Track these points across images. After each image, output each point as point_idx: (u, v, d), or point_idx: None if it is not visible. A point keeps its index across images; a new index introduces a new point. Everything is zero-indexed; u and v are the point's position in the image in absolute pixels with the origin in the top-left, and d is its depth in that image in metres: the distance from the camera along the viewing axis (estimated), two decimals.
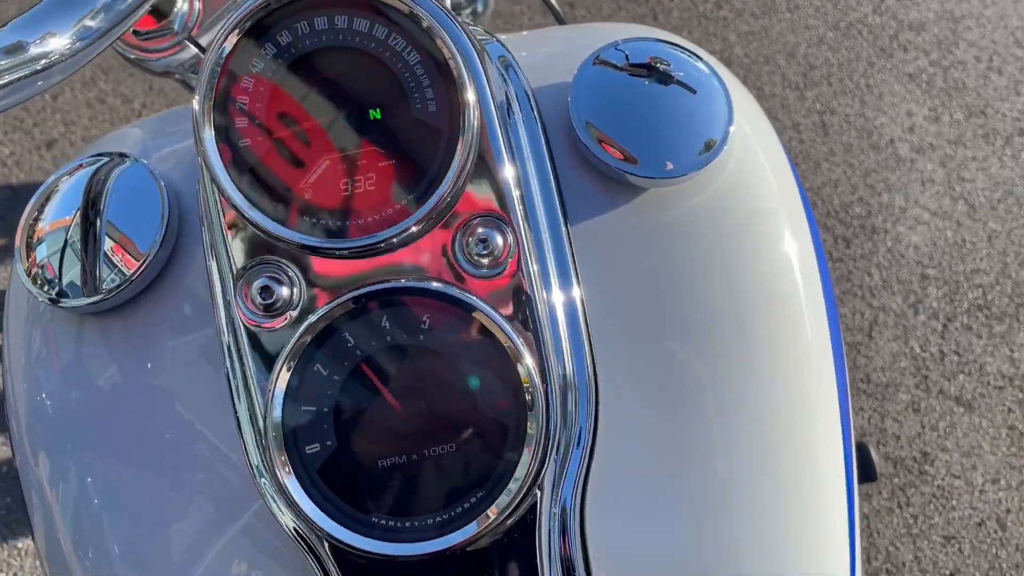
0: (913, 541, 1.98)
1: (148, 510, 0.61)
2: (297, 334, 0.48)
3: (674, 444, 0.58)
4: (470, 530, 0.48)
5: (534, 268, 0.51)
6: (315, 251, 0.49)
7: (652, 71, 0.63)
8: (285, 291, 0.50)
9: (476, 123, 0.49)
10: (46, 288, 0.62)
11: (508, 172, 0.51)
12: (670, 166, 0.60)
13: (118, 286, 0.60)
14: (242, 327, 0.50)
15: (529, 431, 0.48)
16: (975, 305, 2.24)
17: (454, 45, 0.49)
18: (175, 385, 0.60)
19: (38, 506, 0.64)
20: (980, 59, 2.60)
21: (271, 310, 0.50)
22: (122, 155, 0.65)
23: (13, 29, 0.54)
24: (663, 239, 0.61)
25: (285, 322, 0.50)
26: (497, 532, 0.49)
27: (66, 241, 0.63)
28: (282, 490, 0.48)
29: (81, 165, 0.65)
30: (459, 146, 0.49)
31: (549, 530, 0.51)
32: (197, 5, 0.74)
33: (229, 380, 0.55)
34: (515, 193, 0.51)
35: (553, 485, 0.51)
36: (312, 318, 0.48)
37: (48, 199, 0.64)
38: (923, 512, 2.01)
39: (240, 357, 0.52)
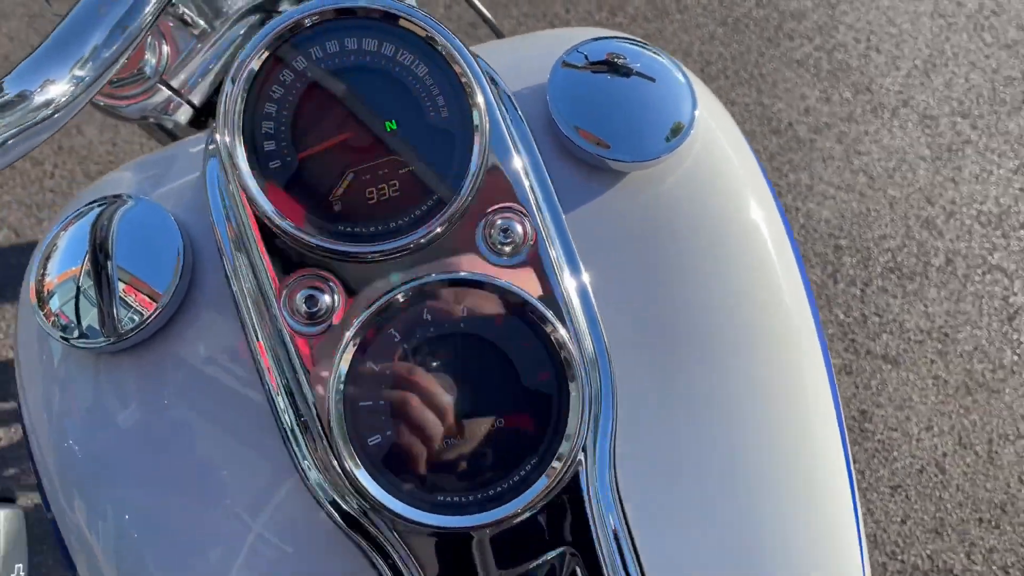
0: (864, 495, 2.09)
1: (189, 537, 0.63)
2: (350, 333, 0.52)
3: (680, 420, 0.63)
4: (530, 495, 0.52)
5: (551, 252, 0.56)
6: (351, 257, 0.53)
7: (612, 66, 0.68)
8: (327, 299, 0.53)
9: (487, 123, 0.53)
10: (64, 333, 0.63)
11: (518, 164, 0.56)
12: (646, 149, 0.65)
13: (139, 324, 0.62)
14: (289, 337, 0.53)
15: (572, 397, 0.53)
16: (887, 268, 2.38)
17: (459, 55, 0.53)
18: (206, 413, 0.62)
19: (80, 550, 0.65)
20: (859, 40, 2.78)
21: (315, 318, 0.53)
22: (117, 197, 0.66)
23: (16, 78, 0.56)
24: (647, 218, 0.67)
25: (326, 327, 0.53)
26: (549, 499, 0.53)
27: (78, 289, 0.64)
28: (350, 480, 0.51)
29: (80, 214, 0.66)
30: (475, 145, 0.53)
31: (594, 494, 0.55)
32: (166, 50, 0.77)
33: (272, 393, 0.58)
34: (526, 183, 0.56)
35: (594, 451, 0.56)
36: (364, 316, 0.52)
37: (51, 254, 0.65)
38: (868, 467, 2.12)
39: (286, 367, 0.55)
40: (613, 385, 0.58)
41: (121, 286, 0.63)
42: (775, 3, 2.84)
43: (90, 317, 0.64)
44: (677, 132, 0.67)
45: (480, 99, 0.54)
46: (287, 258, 0.54)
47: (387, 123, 0.54)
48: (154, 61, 0.76)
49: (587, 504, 0.55)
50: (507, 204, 0.55)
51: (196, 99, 0.79)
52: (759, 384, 0.67)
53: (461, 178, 0.53)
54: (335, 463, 0.52)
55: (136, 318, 0.62)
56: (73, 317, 0.64)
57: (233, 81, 0.52)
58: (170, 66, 0.77)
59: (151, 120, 0.79)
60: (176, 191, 0.68)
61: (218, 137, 0.53)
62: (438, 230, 0.54)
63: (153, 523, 0.64)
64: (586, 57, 0.69)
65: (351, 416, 0.52)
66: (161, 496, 0.64)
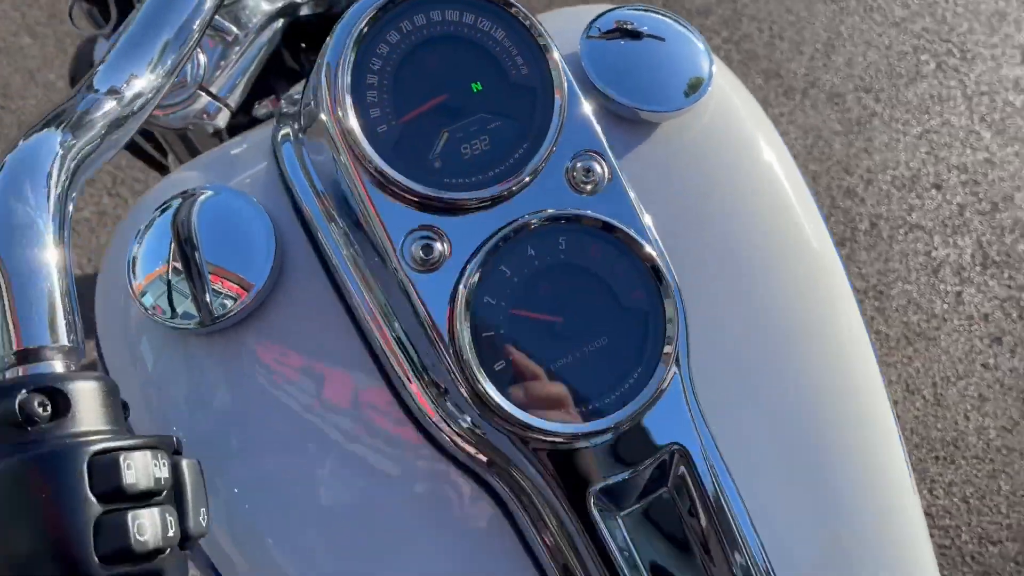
0: None
1: (302, 500, 0.67)
2: (470, 270, 0.57)
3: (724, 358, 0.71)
4: (644, 396, 0.58)
5: (627, 187, 0.63)
6: (456, 204, 0.58)
7: (630, 33, 0.76)
8: (438, 246, 0.59)
9: (564, 77, 0.60)
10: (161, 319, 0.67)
11: (587, 110, 0.63)
12: (673, 101, 0.73)
13: (234, 309, 0.66)
14: (411, 284, 0.58)
15: (668, 312, 0.59)
16: None
17: (532, 18, 0.60)
18: (310, 382, 0.67)
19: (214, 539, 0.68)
20: (762, 30, 2.95)
21: (429, 265, 0.59)
22: (187, 192, 0.70)
23: (104, 76, 0.61)
24: (682, 162, 0.74)
25: (440, 272, 0.59)
26: (656, 401, 0.60)
27: (169, 284, 0.68)
28: (485, 402, 0.57)
29: (163, 207, 0.69)
30: (556, 97, 0.60)
31: (689, 398, 0.62)
32: (202, 58, 0.81)
33: (383, 348, 0.63)
34: (597, 129, 0.63)
35: (684, 362, 0.63)
36: (480, 254, 0.57)
37: (136, 255, 0.68)
38: None
39: (402, 317, 0.60)
40: (684, 305, 0.65)
41: (211, 274, 0.67)
42: (680, 1, 2.99)
43: (184, 305, 0.67)
44: (695, 87, 0.75)
45: (556, 56, 0.60)
46: (397, 214, 0.59)
47: (473, 84, 0.60)
48: (192, 69, 0.80)
49: (686, 405, 0.62)
50: (584, 148, 0.62)
51: (233, 103, 0.83)
52: (802, 323, 0.75)
53: (545, 128, 0.60)
54: (469, 389, 0.57)
55: (228, 303, 0.66)
56: (168, 309, 0.67)
57: (336, 62, 0.57)
58: (207, 74, 0.81)
59: (190, 127, 0.83)
60: (244, 185, 0.72)
61: (324, 116, 0.58)
62: (527, 179, 0.60)
63: (266, 489, 0.67)
64: (599, 29, 0.76)
65: (477, 345, 0.57)
66: (276, 460, 0.68)
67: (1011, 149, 2.74)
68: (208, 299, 0.67)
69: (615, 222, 0.60)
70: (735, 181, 0.75)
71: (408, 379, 0.63)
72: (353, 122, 0.57)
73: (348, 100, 0.57)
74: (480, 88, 0.60)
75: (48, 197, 0.54)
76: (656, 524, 0.62)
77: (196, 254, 0.67)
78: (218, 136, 0.88)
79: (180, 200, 0.69)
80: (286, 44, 0.91)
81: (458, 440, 0.62)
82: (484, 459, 0.63)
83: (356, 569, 0.66)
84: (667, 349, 0.59)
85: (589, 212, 0.59)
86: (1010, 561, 2.06)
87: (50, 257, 0.52)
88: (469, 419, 0.61)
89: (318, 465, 0.67)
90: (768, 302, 0.74)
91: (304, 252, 0.69)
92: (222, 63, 0.82)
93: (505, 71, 0.60)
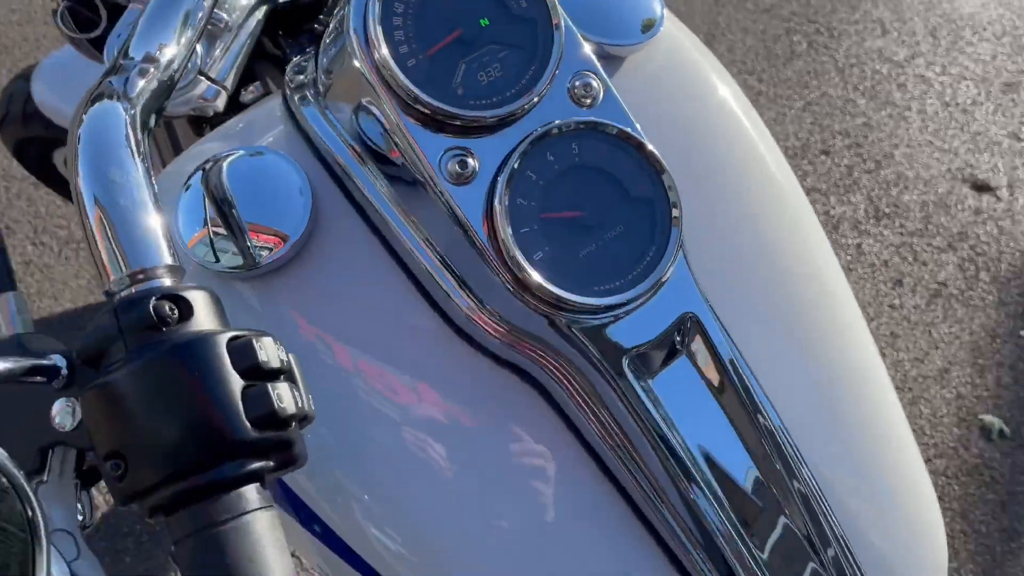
0: None
1: (367, 428, 0.74)
2: (504, 178, 0.66)
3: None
4: (663, 268, 0.68)
5: (619, 99, 0.73)
6: (481, 123, 0.67)
7: None
8: (471, 161, 0.67)
9: (559, 8, 0.70)
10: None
11: (579, 37, 0.73)
12: (633, 36, 0.84)
13: (278, 252, 0.73)
14: (452, 196, 0.67)
15: (672, 200, 0.70)
16: None
17: None
18: (368, 306, 0.74)
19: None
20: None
21: (464, 178, 0.67)
22: (212, 160, 0.77)
23: (137, 45, 0.68)
24: (652, 89, 0.85)
25: (474, 184, 0.68)
26: (671, 271, 0.69)
27: (212, 242, 0.74)
28: (532, 288, 0.65)
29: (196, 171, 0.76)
30: (555, 26, 0.69)
31: (693, 270, 0.72)
32: (199, 47, 0.87)
33: (428, 266, 0.71)
34: (589, 51, 0.72)
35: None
36: (511, 163, 0.66)
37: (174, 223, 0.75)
38: None
39: (444, 233, 0.69)
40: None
41: (249, 226, 0.74)
42: None
43: (226, 258, 0.74)
44: (650, 26, 0.86)
45: None
46: (431, 139, 0.67)
47: (481, 20, 0.69)
48: (194, 57, 0.87)
49: (693, 280, 0.72)
50: (581, 69, 0.71)
51: (229, 86, 0.90)
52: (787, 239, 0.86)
53: (548, 54, 0.69)
54: (514, 279, 0.66)
55: (271, 249, 0.73)
56: (214, 258, 0.74)
57: (364, 8, 0.66)
58: (203, 61, 0.88)
59: (193, 111, 0.89)
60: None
61: (356, 62, 0.67)
62: (535, 99, 0.69)
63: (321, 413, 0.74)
64: None
65: (517, 240, 0.66)
66: (336, 385, 0.74)
67: (884, 112, 2.98)
68: (249, 246, 0.73)
69: (618, 125, 0.70)
70: (700, 109, 0.87)
71: (452, 295, 0.71)
72: (388, 58, 0.65)
73: (381, 38, 0.65)
74: (488, 23, 0.69)
75: (128, 141, 0.61)
76: (681, 390, 0.72)
77: (234, 211, 0.74)
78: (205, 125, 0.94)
79: (210, 164, 0.76)
80: (263, 31, 0.98)
81: (505, 338, 0.71)
82: (531, 353, 0.71)
83: (425, 473, 0.73)
84: (675, 213, 0.69)
85: (594, 118, 0.69)
86: (940, 476, 2.24)
87: (143, 195, 0.59)
88: (512, 318, 0.70)
89: (376, 383, 0.74)
90: (740, 216, 0.85)
91: (336, 199, 0.76)
92: (215, 51, 0.89)
93: (508, 6, 0.70)
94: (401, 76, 0.65)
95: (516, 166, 0.67)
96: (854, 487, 0.81)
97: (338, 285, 0.75)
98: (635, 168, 0.70)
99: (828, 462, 0.80)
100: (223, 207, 0.74)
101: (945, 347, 2.45)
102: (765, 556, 0.73)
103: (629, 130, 0.70)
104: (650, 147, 0.70)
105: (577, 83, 0.71)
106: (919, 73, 3.10)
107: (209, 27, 0.87)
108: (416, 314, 0.74)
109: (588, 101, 0.71)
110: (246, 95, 0.98)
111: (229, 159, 0.75)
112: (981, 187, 2.80)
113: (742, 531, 0.71)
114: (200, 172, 0.75)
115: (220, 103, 0.90)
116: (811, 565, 0.75)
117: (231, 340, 0.53)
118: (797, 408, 0.78)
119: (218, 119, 0.93)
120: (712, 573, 0.73)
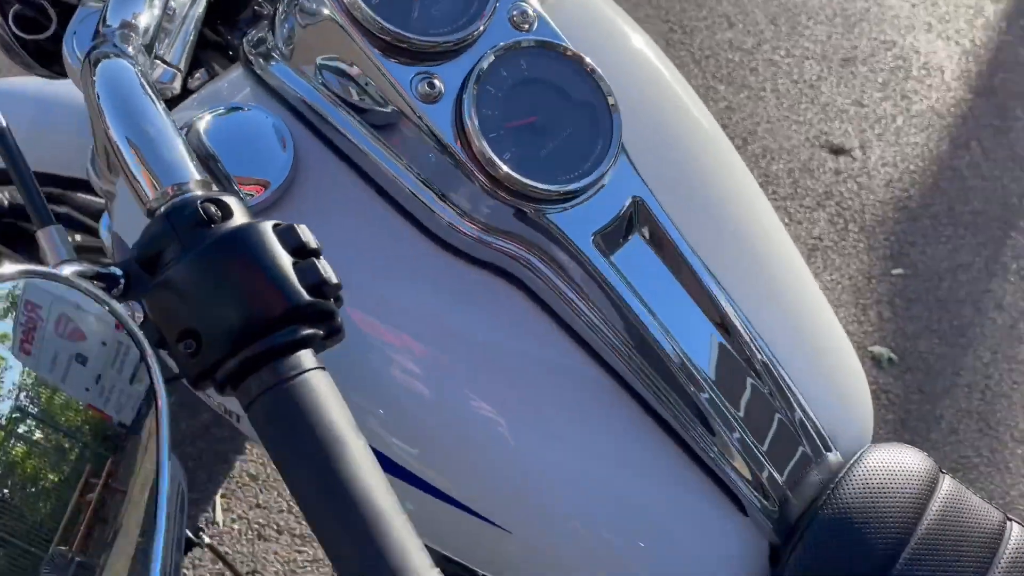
0: None
1: (380, 327, 0.82)
2: (469, 91, 0.76)
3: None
4: (611, 156, 0.79)
5: (551, 22, 0.84)
6: (439, 48, 0.77)
7: None
8: (437, 82, 0.77)
9: None
10: None
11: None
12: None
13: (267, 192, 0.81)
14: (425, 112, 0.76)
15: (605, 90, 0.81)
16: None
17: None
18: (357, 228, 0.82)
19: None
20: None
21: (432, 98, 0.77)
22: (185, 124, 0.84)
23: (113, 14, 0.76)
24: (573, 30, 0.97)
25: (442, 102, 0.77)
26: (618, 156, 0.81)
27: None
28: (502, 183, 0.76)
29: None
30: None
31: (636, 170, 0.84)
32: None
33: (411, 186, 0.80)
34: None
35: None
36: (474, 77, 0.76)
37: None
38: None
39: (421, 146, 0.78)
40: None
41: (236, 179, 0.81)
42: None
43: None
44: None
45: None
46: (398, 67, 0.77)
47: None
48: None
49: (635, 171, 0.83)
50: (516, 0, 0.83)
51: (183, 68, 0.97)
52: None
53: None
54: (488, 177, 0.76)
55: (260, 188, 0.81)
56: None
57: None
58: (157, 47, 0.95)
59: None
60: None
61: (326, 10, 0.76)
62: (482, 28, 0.80)
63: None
64: None
65: (488, 143, 0.76)
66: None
67: (743, 95, 3.24)
68: (238, 193, 0.81)
69: (556, 41, 0.81)
70: (618, 29, 0.99)
71: (435, 209, 0.80)
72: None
73: None
74: None
75: (140, 81, 0.69)
76: (640, 263, 0.83)
77: (219, 165, 0.81)
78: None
79: (190, 126, 0.83)
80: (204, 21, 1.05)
81: (486, 240, 0.80)
82: (510, 250, 0.81)
83: (428, 373, 0.81)
84: (611, 101, 0.80)
85: (541, 37, 0.81)
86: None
87: (166, 125, 0.67)
88: (490, 220, 0.80)
89: (369, 300, 0.82)
90: (671, 122, 0.97)
91: (312, 142, 0.84)
92: (166, 38, 0.96)
93: None
94: (368, 10, 0.75)
95: (477, 82, 0.77)
96: (794, 354, 0.93)
97: (327, 214, 0.83)
98: (575, 76, 0.81)
99: (770, 332, 0.91)
100: (208, 163, 0.81)
101: (829, 293, 2.67)
102: (741, 413, 0.84)
103: (571, 46, 0.81)
104: (585, 57, 0.82)
105: (515, 12, 0.82)
106: (767, 57, 3.38)
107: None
108: (401, 233, 0.83)
109: (526, 26, 0.82)
110: (193, 82, 1.05)
111: (208, 117, 0.82)
112: (837, 150, 3.07)
113: (718, 391, 0.83)
114: (184, 131, 0.82)
115: (176, 85, 0.97)
116: (778, 417, 0.87)
117: (275, 226, 0.61)
118: (738, 281, 0.90)
119: (173, 103, 0.99)
120: (693, 422, 0.83)
